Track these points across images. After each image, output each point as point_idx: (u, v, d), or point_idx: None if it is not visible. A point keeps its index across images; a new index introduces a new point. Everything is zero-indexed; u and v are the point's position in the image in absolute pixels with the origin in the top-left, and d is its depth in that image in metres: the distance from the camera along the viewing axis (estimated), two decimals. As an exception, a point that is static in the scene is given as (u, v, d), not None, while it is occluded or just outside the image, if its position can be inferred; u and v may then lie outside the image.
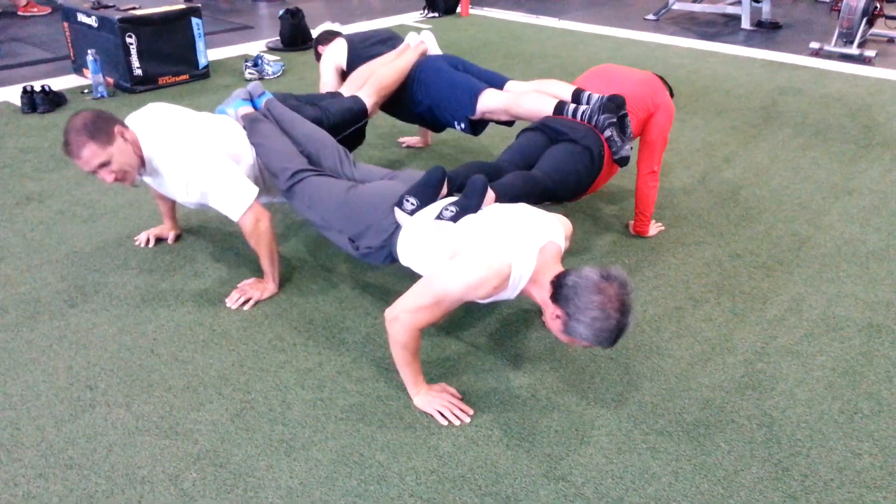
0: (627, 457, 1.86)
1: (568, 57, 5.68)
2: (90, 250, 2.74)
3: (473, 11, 7.28)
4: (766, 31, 6.81)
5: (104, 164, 2.17)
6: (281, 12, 5.68)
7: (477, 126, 3.01)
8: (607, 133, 2.57)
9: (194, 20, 4.65)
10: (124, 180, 2.24)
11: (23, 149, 3.65)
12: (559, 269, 1.91)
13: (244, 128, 2.54)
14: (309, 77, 4.96)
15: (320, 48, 3.47)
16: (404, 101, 3.08)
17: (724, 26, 6.95)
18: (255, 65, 4.89)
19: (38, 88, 4.15)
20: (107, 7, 4.51)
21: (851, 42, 5.80)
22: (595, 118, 2.59)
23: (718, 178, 3.51)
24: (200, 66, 4.79)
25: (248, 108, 2.64)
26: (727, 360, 2.23)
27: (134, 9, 4.47)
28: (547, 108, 2.71)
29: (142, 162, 2.28)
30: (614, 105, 2.59)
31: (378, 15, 7.07)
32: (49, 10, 6.55)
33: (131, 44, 4.38)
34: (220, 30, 6.23)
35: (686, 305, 2.50)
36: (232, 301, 2.43)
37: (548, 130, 2.64)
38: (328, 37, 3.49)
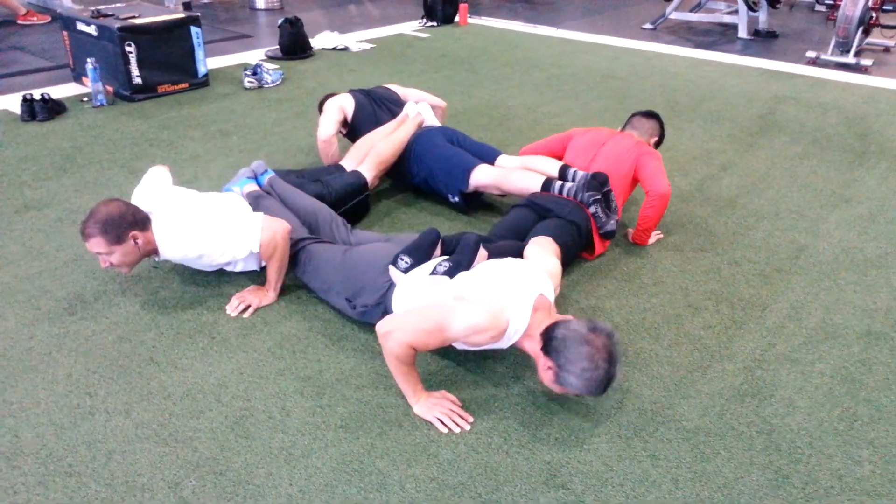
0: (627, 464, 1.86)
1: (565, 66, 5.71)
2: (90, 258, 2.74)
3: (472, 21, 7.31)
4: (763, 40, 6.86)
5: (104, 254, 2.26)
6: (280, 21, 5.70)
7: (470, 199, 3.15)
8: (592, 209, 2.71)
9: (193, 29, 4.67)
10: (119, 269, 2.34)
11: (22, 157, 3.65)
12: (549, 320, 1.98)
13: (249, 204, 2.64)
14: (307, 85, 4.98)
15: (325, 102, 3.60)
16: (402, 172, 3.27)
17: (721, 35, 7.00)
18: (255, 73, 4.90)
19: (37, 97, 4.16)
20: (106, 16, 4.53)
21: (848, 51, 5.83)
22: (580, 195, 2.73)
23: (716, 186, 3.53)
24: (200, 75, 4.81)
25: (253, 186, 2.80)
26: (726, 368, 2.23)
27: (133, 18, 4.49)
28: (535, 185, 2.87)
29: (155, 252, 2.37)
30: (598, 182, 2.73)
31: (377, 24, 7.10)
32: (49, 19, 6.57)
33: (130, 52, 4.39)
34: (219, 38, 6.25)
35: (685, 313, 2.51)
36: (231, 308, 2.44)
37: (536, 207, 2.78)
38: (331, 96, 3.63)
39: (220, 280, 2.62)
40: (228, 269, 2.57)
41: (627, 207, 3.25)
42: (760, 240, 3.02)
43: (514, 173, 2.98)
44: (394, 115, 3.42)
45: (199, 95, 4.70)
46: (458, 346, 2.05)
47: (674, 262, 2.84)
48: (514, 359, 2.24)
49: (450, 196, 3.14)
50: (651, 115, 3.23)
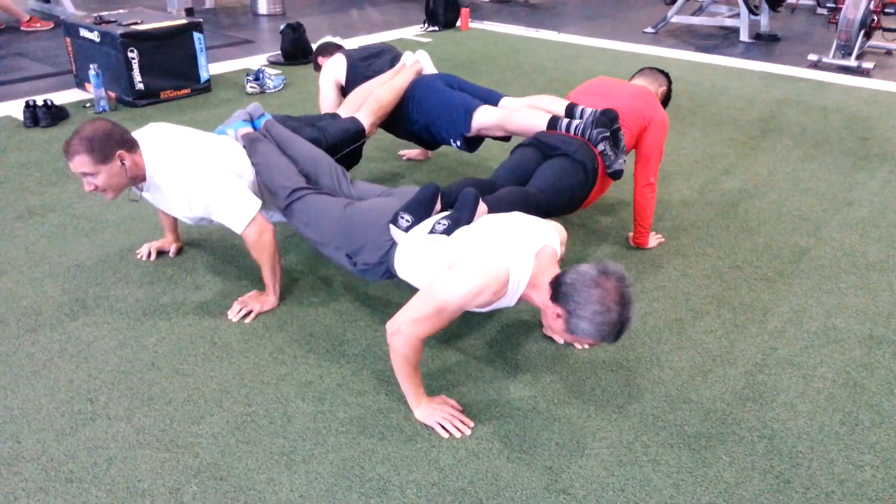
0: (629, 469, 1.86)
1: (567, 70, 5.71)
2: (92, 263, 2.75)
3: (473, 25, 7.33)
4: (765, 43, 6.86)
5: (89, 175, 2.20)
6: (282, 26, 5.72)
7: (472, 143, 3.04)
8: (600, 147, 2.60)
9: (196, 35, 4.68)
10: (104, 195, 2.27)
11: (25, 163, 3.66)
12: (556, 271, 1.92)
13: (244, 147, 2.58)
14: (309, 90, 4.99)
15: (320, 59, 3.53)
16: (401, 119, 3.13)
17: (722, 39, 7.00)
18: (257, 79, 4.91)
19: (40, 103, 4.18)
20: (109, 22, 4.55)
21: (849, 54, 5.83)
22: (588, 132, 2.61)
23: (718, 190, 3.52)
24: (202, 81, 4.82)
25: (248, 129, 2.68)
26: (728, 372, 2.23)
27: (136, 24, 4.51)
28: (540, 123, 2.74)
29: (142, 178, 2.30)
30: (607, 119, 2.61)
31: (379, 29, 7.12)
32: (52, 26, 6.60)
33: (133, 58, 4.41)
34: (221, 44, 6.27)
35: (687, 317, 2.50)
36: (233, 314, 2.44)
37: (541, 146, 2.66)
38: (328, 49, 3.54)
39: (222, 285, 2.63)
40: (203, 223, 2.45)
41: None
42: (762, 243, 3.01)
43: (519, 112, 2.84)
44: (391, 65, 3.28)
45: (201, 101, 4.72)
46: (473, 309, 1.97)
47: (675, 266, 2.83)
48: (515, 362, 2.24)
49: (451, 140, 3.02)
50: (659, 70, 3.13)
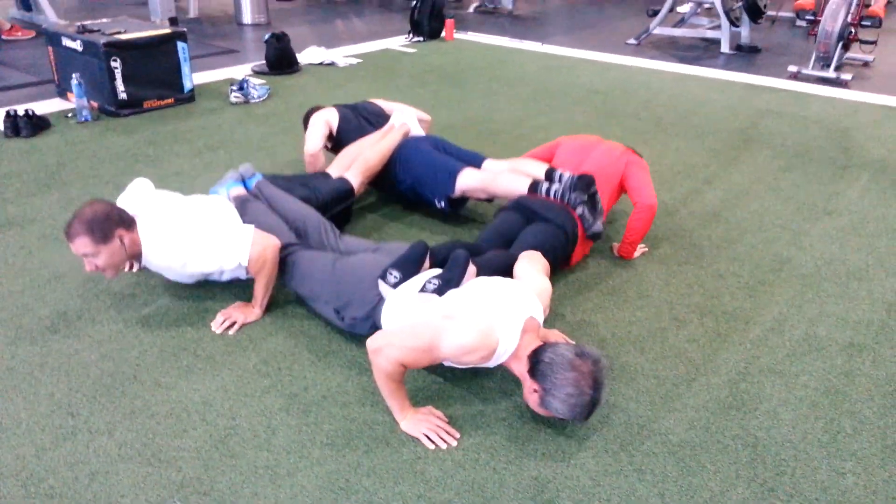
0: (614, 479, 1.86)
1: (550, 81, 5.75)
2: (73, 275, 2.72)
3: (458, 36, 7.36)
4: (746, 54, 6.95)
5: (90, 255, 2.24)
6: (266, 36, 5.71)
7: (456, 203, 3.17)
8: (579, 210, 2.73)
9: (179, 44, 4.67)
10: (104, 273, 2.30)
11: (5, 173, 3.63)
12: (537, 343, 1.99)
13: (236, 207, 2.63)
14: (293, 100, 4.98)
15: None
16: (388, 179, 3.25)
17: (704, 50, 7.08)
18: (241, 88, 4.90)
19: (21, 112, 4.14)
20: (92, 31, 4.52)
21: (828, 65, 5.92)
22: (567, 196, 2.75)
23: (700, 200, 3.56)
24: (186, 90, 4.80)
25: (240, 189, 2.78)
26: (711, 381, 2.24)
27: (119, 33, 4.48)
28: (521, 188, 2.87)
29: (138, 255, 2.35)
30: (584, 184, 2.75)
31: (363, 39, 7.13)
32: (33, 35, 6.55)
33: (116, 68, 4.38)
34: (205, 53, 6.25)
35: (670, 326, 2.52)
36: (216, 325, 2.42)
37: (523, 210, 2.79)
38: (316, 109, 3.65)
39: (205, 297, 2.61)
40: (212, 278, 2.55)
41: (612, 220, 3.27)
42: (744, 253, 3.04)
43: (501, 176, 2.98)
44: (378, 127, 3.43)
45: (184, 111, 4.69)
46: (447, 363, 2.05)
47: (659, 275, 2.85)
48: (502, 375, 2.24)
49: (436, 201, 3.13)
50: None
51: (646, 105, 5.13)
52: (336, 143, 3.49)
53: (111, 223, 2.24)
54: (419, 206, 3.30)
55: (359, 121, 3.48)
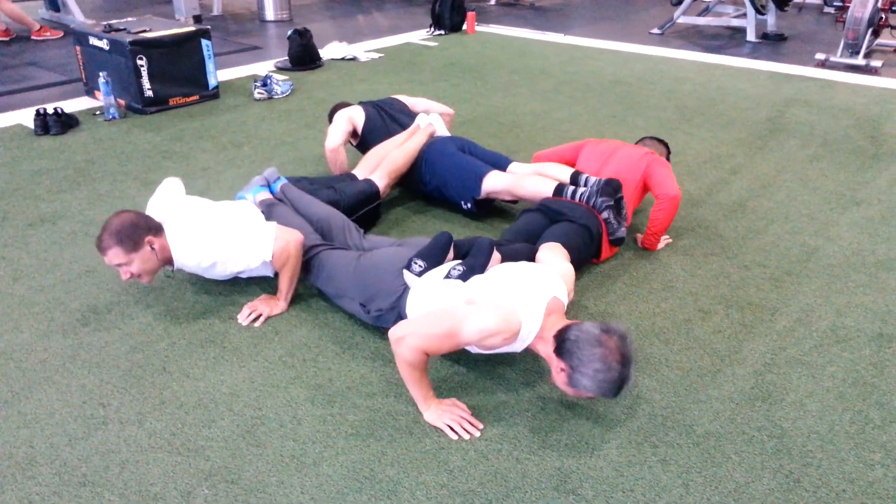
0: (638, 469, 1.86)
1: (574, 72, 5.72)
2: (102, 269, 2.77)
3: (479, 28, 7.34)
4: (772, 42, 6.84)
5: (123, 265, 2.29)
6: (289, 32, 5.75)
7: (482, 205, 3.17)
8: (605, 214, 2.73)
9: (204, 42, 4.72)
10: (140, 279, 2.36)
11: (36, 171, 3.70)
12: (563, 323, 1.97)
13: (262, 212, 2.66)
14: (316, 96, 5.02)
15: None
16: (414, 180, 3.28)
17: (729, 39, 6.99)
18: (264, 84, 4.94)
19: (50, 111, 4.22)
20: (118, 30, 4.58)
21: (857, 52, 5.81)
22: (593, 200, 2.75)
23: (726, 190, 3.52)
24: (210, 87, 4.86)
25: (266, 194, 2.82)
26: (737, 372, 2.22)
27: (144, 31, 4.54)
28: (547, 190, 2.88)
29: (170, 260, 2.39)
30: (611, 189, 2.74)
31: (385, 33, 7.15)
32: (61, 35, 6.66)
33: (142, 66, 4.44)
34: (229, 51, 6.31)
35: (695, 317, 2.50)
36: (243, 318, 2.46)
37: (548, 211, 2.78)
38: (341, 106, 3.67)
39: (232, 290, 2.64)
40: (242, 276, 2.60)
41: (636, 213, 3.25)
42: (770, 243, 3.01)
43: (527, 179, 3.00)
44: (403, 125, 3.44)
45: (209, 107, 4.75)
46: (472, 349, 2.06)
47: (683, 266, 2.83)
48: (524, 365, 2.25)
49: (462, 203, 3.15)
50: (660, 140, 3.30)
51: (670, 95, 5.08)
52: (361, 141, 3.51)
53: (139, 231, 2.28)
54: (443, 203, 3.31)
55: (383, 119, 3.49)
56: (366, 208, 3.01)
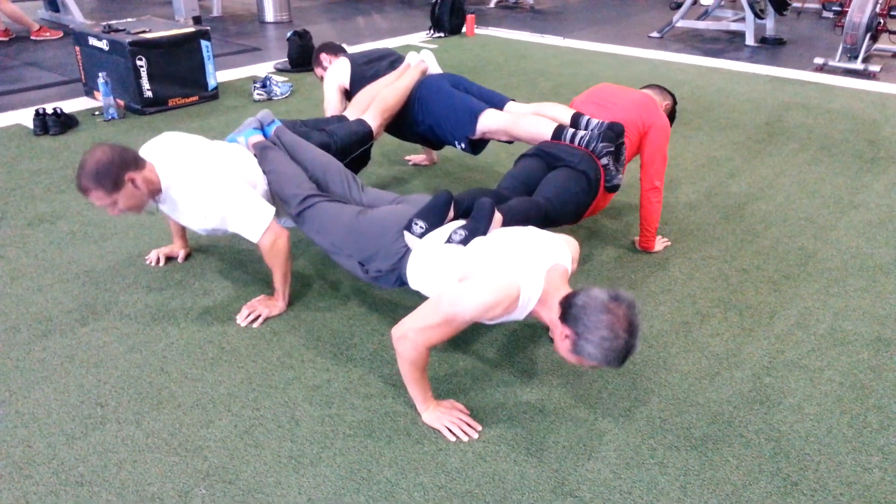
0: (636, 472, 1.86)
1: (572, 75, 5.73)
2: (101, 269, 2.77)
3: (479, 31, 7.36)
4: (771, 47, 6.86)
5: (108, 205, 2.23)
6: (289, 34, 5.75)
7: (477, 145, 3.05)
8: (604, 161, 2.61)
9: (203, 43, 4.72)
10: (129, 212, 2.30)
11: (35, 170, 3.70)
12: (567, 289, 1.92)
13: (255, 155, 2.60)
14: (316, 97, 5.02)
15: (323, 55, 3.51)
16: (406, 120, 3.13)
17: (728, 43, 7.00)
18: (264, 86, 4.95)
19: (49, 111, 4.22)
20: (117, 31, 4.59)
21: (856, 57, 5.82)
22: (594, 145, 2.62)
23: (724, 193, 3.53)
24: (210, 88, 4.86)
25: (259, 137, 2.70)
26: (735, 375, 2.23)
27: (144, 32, 4.54)
28: (546, 132, 2.74)
29: (158, 191, 2.32)
30: (613, 133, 2.61)
31: (385, 35, 7.16)
32: (61, 35, 6.66)
33: (141, 66, 4.44)
34: (228, 52, 6.32)
35: (693, 320, 2.51)
36: (241, 318, 2.46)
37: (545, 156, 2.68)
38: (333, 48, 3.53)
39: (230, 290, 2.64)
40: (218, 233, 2.47)
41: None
42: (769, 246, 3.01)
43: (525, 118, 2.84)
44: (393, 68, 3.30)
45: (208, 108, 4.75)
46: (477, 321, 1.98)
47: (682, 269, 2.84)
48: (523, 367, 2.25)
49: (456, 143, 3.03)
50: (667, 89, 3.16)
51: (668, 99, 5.08)
52: (350, 91, 3.34)
53: (117, 169, 2.18)
54: (435, 145, 3.15)
55: (371, 66, 3.32)
56: (359, 150, 2.90)
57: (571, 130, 2.70)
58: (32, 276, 2.73)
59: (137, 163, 2.26)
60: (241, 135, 2.71)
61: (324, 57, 3.51)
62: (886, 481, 1.83)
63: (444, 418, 1.98)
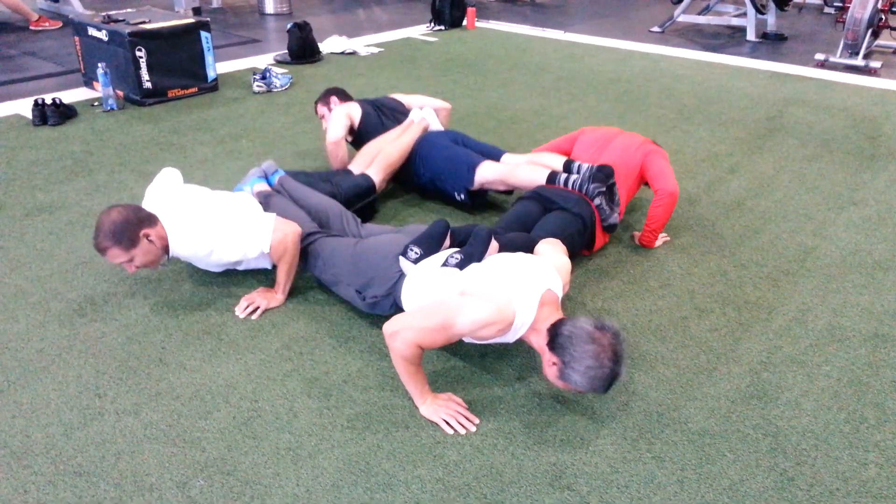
0: (633, 466, 1.86)
1: (572, 69, 5.71)
2: (99, 260, 2.77)
3: (479, 24, 7.33)
4: (772, 42, 6.85)
5: (126, 262, 2.29)
6: (289, 26, 5.73)
7: (475, 196, 3.18)
8: (597, 201, 2.74)
9: (203, 34, 4.71)
10: (148, 268, 2.37)
11: (33, 161, 3.69)
12: (556, 316, 1.98)
13: (260, 202, 2.67)
14: (316, 89, 5.00)
15: (333, 99, 3.61)
16: (408, 174, 3.30)
17: (729, 38, 6.99)
18: (264, 77, 4.93)
19: (48, 101, 4.21)
20: (117, 21, 4.57)
21: (857, 53, 5.81)
22: (585, 187, 2.76)
23: (723, 189, 3.52)
24: (209, 79, 4.84)
25: (264, 185, 2.83)
26: (732, 370, 2.23)
27: (144, 23, 4.53)
28: (540, 178, 2.89)
29: (168, 247, 2.38)
30: (603, 175, 2.76)
31: (385, 28, 7.13)
32: (60, 25, 6.64)
33: (141, 57, 4.43)
34: (228, 43, 6.29)
35: (691, 315, 2.51)
36: (240, 310, 2.46)
37: (541, 199, 2.80)
38: (342, 96, 3.65)
39: (229, 282, 2.64)
40: (239, 267, 2.60)
41: (633, 210, 3.25)
42: (767, 242, 3.01)
43: (520, 168, 3.01)
44: (399, 122, 3.46)
45: (208, 100, 4.74)
46: (466, 339, 2.06)
47: (681, 264, 2.84)
48: (520, 361, 2.25)
49: (456, 194, 3.16)
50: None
51: (669, 93, 5.08)
52: (357, 138, 3.51)
53: (133, 226, 2.27)
54: (437, 197, 3.31)
55: (380, 117, 3.50)
56: (362, 202, 3.02)
57: (564, 175, 2.86)
58: (31, 266, 2.73)
59: (151, 220, 2.34)
60: (247, 184, 2.85)
61: (333, 99, 3.63)
62: (883, 477, 1.84)
63: (442, 411, 1.99)
